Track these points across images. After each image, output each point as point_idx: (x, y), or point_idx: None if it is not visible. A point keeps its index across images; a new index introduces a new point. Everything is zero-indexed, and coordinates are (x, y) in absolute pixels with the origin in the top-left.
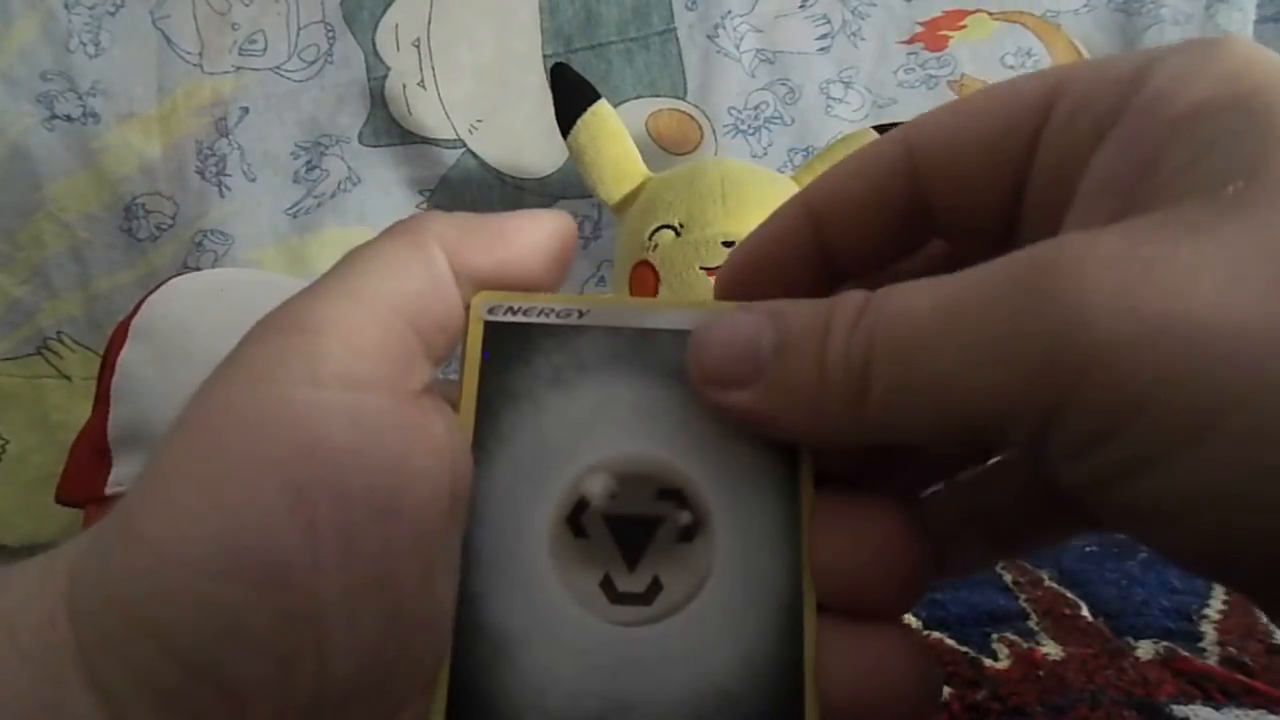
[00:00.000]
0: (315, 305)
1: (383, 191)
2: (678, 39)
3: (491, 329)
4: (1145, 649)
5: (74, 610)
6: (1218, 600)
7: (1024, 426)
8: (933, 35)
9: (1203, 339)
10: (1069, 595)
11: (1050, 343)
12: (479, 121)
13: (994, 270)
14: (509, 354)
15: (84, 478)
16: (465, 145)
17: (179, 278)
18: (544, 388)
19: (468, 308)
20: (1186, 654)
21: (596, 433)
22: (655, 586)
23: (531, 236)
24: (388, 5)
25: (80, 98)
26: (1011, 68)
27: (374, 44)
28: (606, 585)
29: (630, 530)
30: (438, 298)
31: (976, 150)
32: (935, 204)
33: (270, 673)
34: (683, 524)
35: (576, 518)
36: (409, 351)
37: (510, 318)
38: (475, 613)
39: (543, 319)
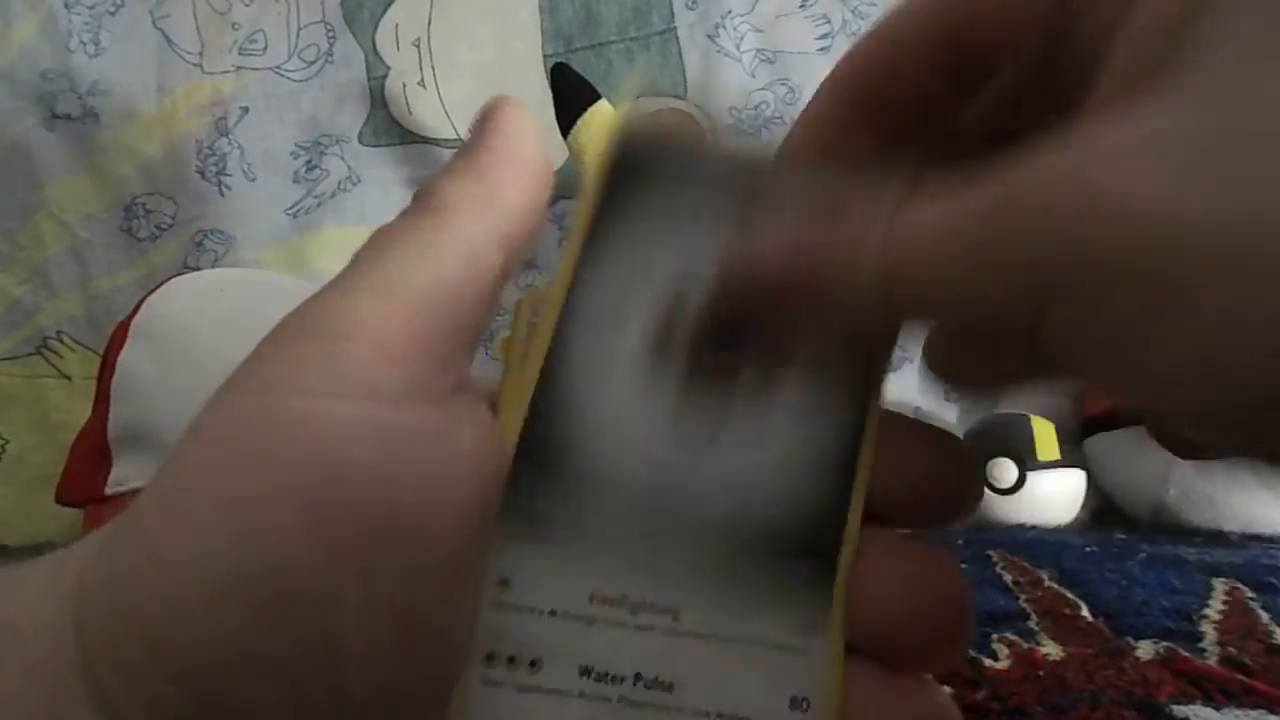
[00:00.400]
0: (340, 304)
1: (383, 191)
2: (678, 39)
3: (619, 148)
4: (1145, 649)
5: (79, 617)
6: (1218, 600)
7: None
8: None
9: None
10: (1069, 595)
11: (1028, 258)
12: None
13: (980, 197)
14: (632, 171)
15: (84, 478)
16: None
17: (179, 278)
18: (660, 208)
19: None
20: (1186, 654)
21: (700, 260)
22: (724, 412)
23: (531, 151)
24: (388, 5)
25: (80, 98)
26: None
27: (374, 44)
28: (680, 401)
29: (712, 357)
30: (474, 275)
31: None
32: (975, 40)
33: (282, 699)
34: (762, 361)
35: (666, 331)
36: (446, 347)
37: (641, 143)
38: (555, 389)
39: (673, 149)
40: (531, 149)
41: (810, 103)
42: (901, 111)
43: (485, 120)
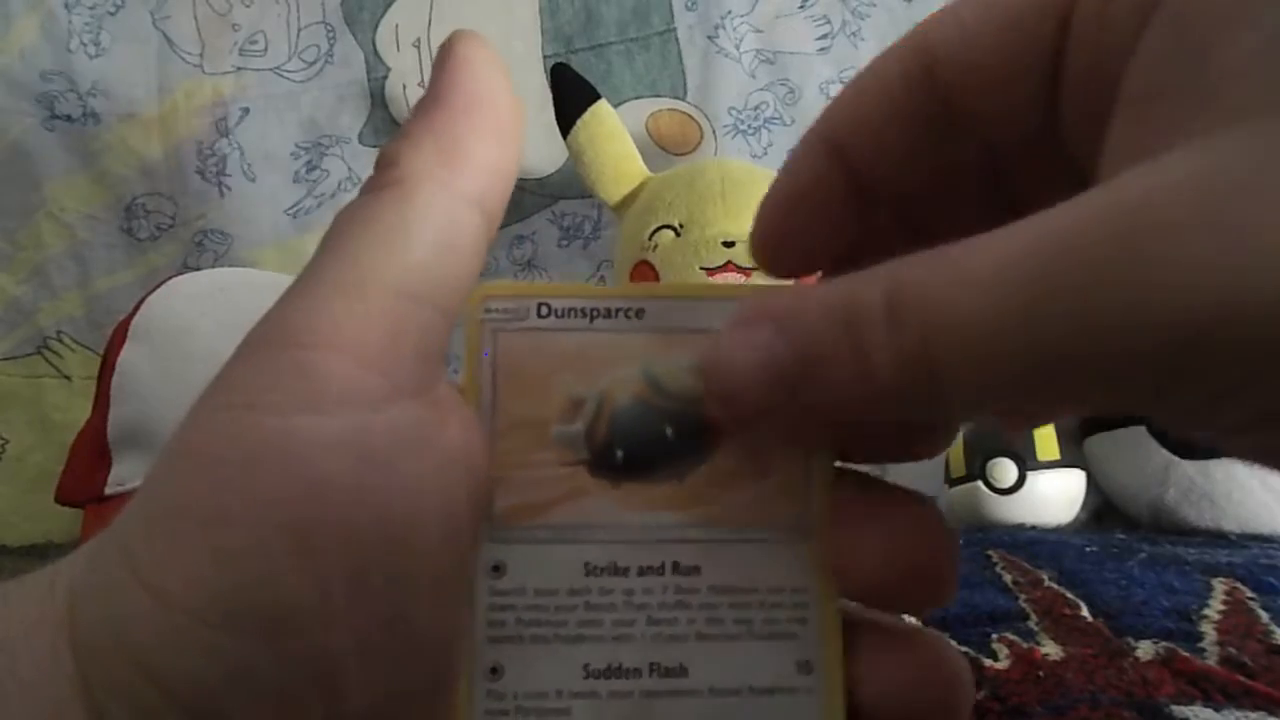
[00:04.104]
0: (311, 309)
1: None
2: (678, 39)
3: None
4: (1145, 649)
5: (75, 642)
6: (1217, 600)
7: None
8: None
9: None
10: (1069, 595)
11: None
12: None
13: (1041, 254)
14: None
15: (84, 478)
16: None
17: (179, 278)
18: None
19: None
20: (1186, 654)
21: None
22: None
23: (494, 94)
24: (388, 5)
25: (80, 98)
26: None
27: (374, 44)
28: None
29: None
30: (448, 250)
31: (996, 45)
32: (960, 109)
33: (280, 719)
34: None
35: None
36: (425, 338)
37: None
38: None
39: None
40: (494, 90)
41: (791, 153)
42: (882, 166)
43: (441, 65)
